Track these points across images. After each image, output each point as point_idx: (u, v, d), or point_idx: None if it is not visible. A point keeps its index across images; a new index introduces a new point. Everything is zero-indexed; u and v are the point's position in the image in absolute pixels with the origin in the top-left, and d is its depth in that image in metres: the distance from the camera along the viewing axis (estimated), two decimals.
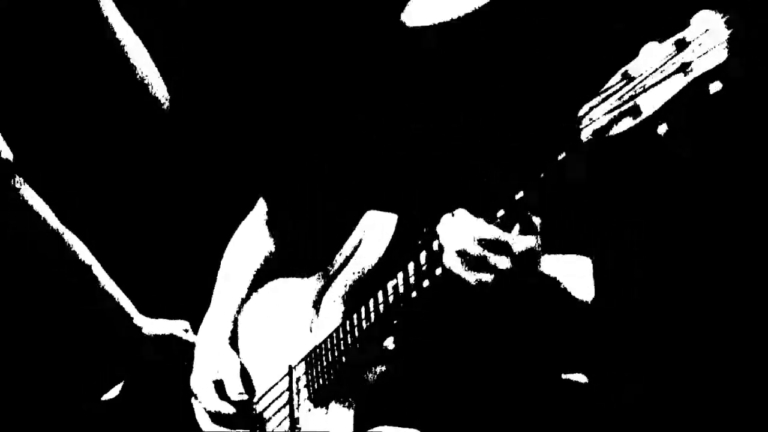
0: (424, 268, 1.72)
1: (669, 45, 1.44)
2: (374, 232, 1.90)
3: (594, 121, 1.50)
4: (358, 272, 1.93)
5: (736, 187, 2.50)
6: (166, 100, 3.08)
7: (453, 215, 1.67)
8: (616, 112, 1.49)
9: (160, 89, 3.12)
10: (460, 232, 1.65)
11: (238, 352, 2.19)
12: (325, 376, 1.93)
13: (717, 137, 2.44)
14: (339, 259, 1.99)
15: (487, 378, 1.85)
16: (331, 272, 2.00)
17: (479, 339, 1.84)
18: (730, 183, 2.51)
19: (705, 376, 2.50)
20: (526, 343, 1.85)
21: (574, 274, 1.78)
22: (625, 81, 1.49)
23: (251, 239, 2.32)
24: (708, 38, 1.41)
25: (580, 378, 1.90)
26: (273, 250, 2.30)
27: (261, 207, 2.33)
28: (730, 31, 1.39)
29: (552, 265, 1.75)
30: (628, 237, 1.86)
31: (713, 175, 2.51)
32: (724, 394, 2.48)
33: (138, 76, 3.05)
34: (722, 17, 1.41)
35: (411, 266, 1.75)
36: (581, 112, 1.52)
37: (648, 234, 1.89)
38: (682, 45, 1.42)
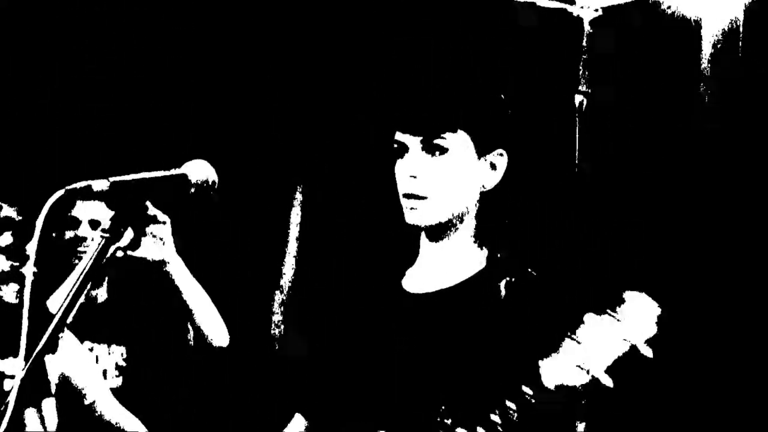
0: None
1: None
2: None
3: None
4: None
5: (736, 187, 2.50)
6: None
7: None
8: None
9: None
10: None
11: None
12: None
13: (717, 137, 2.44)
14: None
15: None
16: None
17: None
18: (730, 183, 2.50)
19: (705, 376, 2.50)
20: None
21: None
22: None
23: None
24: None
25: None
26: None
27: None
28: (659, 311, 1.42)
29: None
30: (628, 237, 1.86)
31: (713, 174, 2.51)
32: (724, 394, 2.48)
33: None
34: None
35: None
36: None
37: (648, 234, 1.89)
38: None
